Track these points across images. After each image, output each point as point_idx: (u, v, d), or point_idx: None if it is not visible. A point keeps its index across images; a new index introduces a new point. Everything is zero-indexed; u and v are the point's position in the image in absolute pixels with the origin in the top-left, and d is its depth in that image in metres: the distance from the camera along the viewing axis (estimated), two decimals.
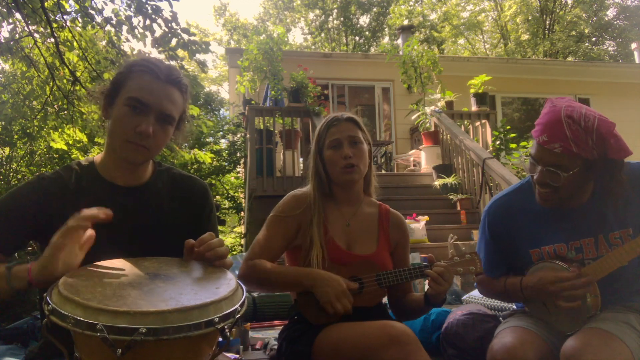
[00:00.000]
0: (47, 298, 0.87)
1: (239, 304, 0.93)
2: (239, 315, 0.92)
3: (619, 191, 1.36)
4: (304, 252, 1.55)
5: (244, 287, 1.03)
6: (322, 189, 1.63)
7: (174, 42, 4.16)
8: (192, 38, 4.21)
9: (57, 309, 0.83)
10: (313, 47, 21.42)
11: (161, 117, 1.20)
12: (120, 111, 1.19)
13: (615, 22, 19.00)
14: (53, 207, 1.18)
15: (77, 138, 6.07)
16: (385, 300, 1.76)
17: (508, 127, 5.93)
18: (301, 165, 6.27)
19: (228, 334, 0.88)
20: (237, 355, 1.97)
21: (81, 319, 0.80)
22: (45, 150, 7.35)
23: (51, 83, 4.71)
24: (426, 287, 1.53)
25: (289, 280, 1.51)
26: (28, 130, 6.33)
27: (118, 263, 1.05)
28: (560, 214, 1.49)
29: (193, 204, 1.36)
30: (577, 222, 1.47)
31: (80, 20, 4.41)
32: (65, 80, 4.96)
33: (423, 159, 6.74)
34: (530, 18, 18.72)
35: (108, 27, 4.44)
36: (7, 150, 7.23)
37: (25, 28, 4.43)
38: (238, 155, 10.10)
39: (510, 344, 1.34)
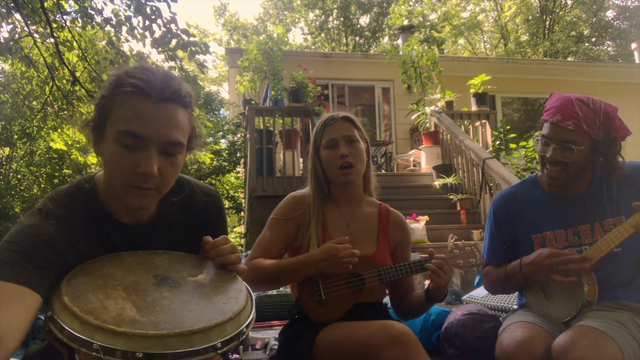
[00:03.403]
0: (50, 301, 0.86)
1: (245, 324, 0.89)
2: (244, 337, 0.88)
3: (616, 174, 1.50)
4: (303, 252, 1.55)
5: (253, 298, 0.99)
6: (321, 190, 1.63)
7: (173, 42, 4.17)
8: (191, 39, 4.22)
9: (55, 318, 0.82)
10: (313, 47, 21.41)
11: (165, 148, 0.96)
12: (111, 149, 0.94)
13: (615, 23, 19.00)
14: (63, 248, 0.99)
15: (77, 138, 6.08)
16: (387, 300, 1.76)
17: (508, 127, 5.94)
18: (301, 165, 6.27)
19: (231, 356, 0.85)
20: (237, 356, 1.97)
21: (77, 334, 0.78)
22: (45, 150, 7.35)
23: (51, 83, 4.71)
24: (426, 285, 1.53)
25: (291, 269, 1.49)
26: (28, 131, 6.34)
27: (128, 257, 1.01)
28: (560, 202, 1.59)
29: (207, 223, 1.24)
30: (576, 209, 1.57)
31: (80, 20, 4.42)
32: (64, 81, 4.97)
33: (423, 159, 6.73)
34: (530, 18, 18.71)
35: (108, 28, 4.44)
36: (7, 150, 7.23)
37: (25, 28, 4.43)
38: (238, 155, 10.12)
39: (521, 337, 1.35)
